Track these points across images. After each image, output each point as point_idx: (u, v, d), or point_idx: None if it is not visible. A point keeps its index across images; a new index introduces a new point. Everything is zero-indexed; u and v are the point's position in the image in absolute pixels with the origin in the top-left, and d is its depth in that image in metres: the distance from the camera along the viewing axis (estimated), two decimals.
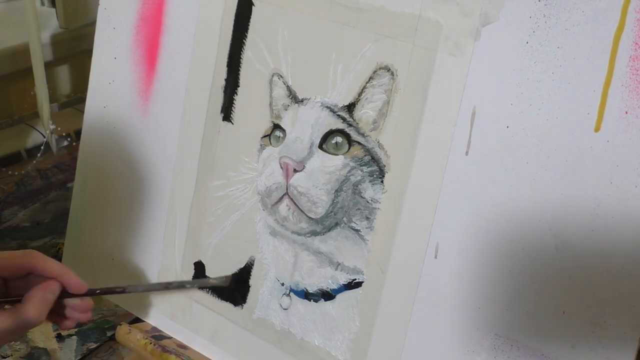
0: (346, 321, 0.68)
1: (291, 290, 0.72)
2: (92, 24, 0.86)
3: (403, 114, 0.64)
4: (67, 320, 0.65)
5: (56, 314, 0.64)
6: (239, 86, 0.74)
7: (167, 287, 0.76)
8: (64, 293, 0.63)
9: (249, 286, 0.74)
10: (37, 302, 0.59)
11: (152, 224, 0.82)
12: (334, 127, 0.67)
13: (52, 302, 0.60)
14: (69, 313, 0.64)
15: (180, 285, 0.76)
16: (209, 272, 0.77)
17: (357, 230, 0.67)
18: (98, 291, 0.67)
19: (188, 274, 0.79)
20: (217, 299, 0.77)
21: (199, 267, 0.78)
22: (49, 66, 1.26)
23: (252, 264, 0.74)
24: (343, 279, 0.68)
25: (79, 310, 0.64)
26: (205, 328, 0.78)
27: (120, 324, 0.81)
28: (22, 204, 1.07)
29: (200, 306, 0.78)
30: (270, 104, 0.72)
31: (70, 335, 0.81)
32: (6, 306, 0.61)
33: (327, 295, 0.69)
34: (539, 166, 0.57)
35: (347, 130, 0.67)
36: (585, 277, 0.56)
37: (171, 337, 0.80)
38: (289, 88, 0.70)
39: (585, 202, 0.55)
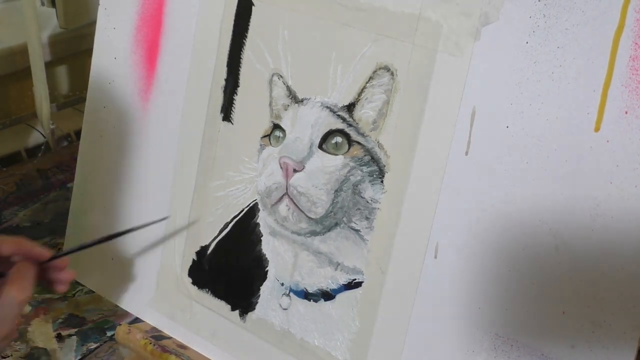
0: (346, 321, 0.68)
1: (291, 290, 0.72)
2: (92, 24, 0.86)
3: (403, 114, 0.64)
4: (59, 285, 0.68)
5: (47, 282, 0.68)
6: (238, 86, 0.74)
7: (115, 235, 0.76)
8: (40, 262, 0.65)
9: (249, 286, 0.74)
10: (15, 279, 0.61)
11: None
12: (333, 127, 0.67)
13: (31, 275, 0.63)
14: (56, 279, 0.68)
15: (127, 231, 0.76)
16: (208, 272, 0.77)
17: (357, 230, 0.67)
18: (61, 253, 0.69)
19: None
20: (217, 299, 0.77)
21: (199, 267, 0.78)
22: (48, 66, 1.26)
23: (252, 264, 0.74)
24: (343, 279, 0.68)
25: (62, 279, 0.68)
26: (205, 328, 0.77)
27: (120, 324, 0.81)
28: (22, 204, 1.07)
29: (200, 306, 0.78)
30: (270, 104, 0.72)
31: (70, 335, 0.81)
32: None
33: (327, 295, 0.69)
34: (539, 166, 0.57)
35: (347, 130, 0.67)
36: (585, 277, 0.56)
37: (171, 337, 0.80)
38: (288, 88, 0.70)
39: (585, 202, 0.55)
